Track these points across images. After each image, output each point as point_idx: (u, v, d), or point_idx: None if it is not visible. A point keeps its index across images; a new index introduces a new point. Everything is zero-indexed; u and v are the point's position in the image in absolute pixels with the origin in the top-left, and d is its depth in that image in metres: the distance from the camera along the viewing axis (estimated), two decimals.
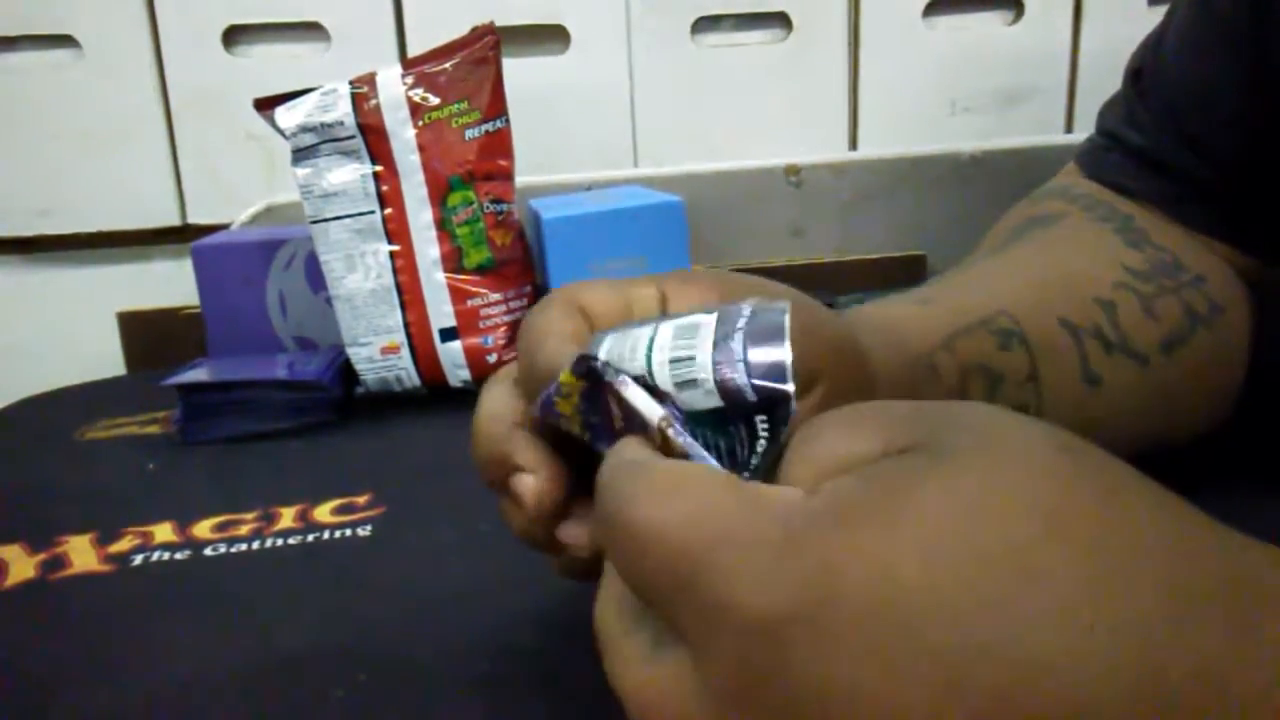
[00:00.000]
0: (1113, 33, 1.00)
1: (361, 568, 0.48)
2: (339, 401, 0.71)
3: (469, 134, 0.71)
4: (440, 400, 0.73)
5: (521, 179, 0.74)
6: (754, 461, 0.26)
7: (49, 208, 0.95)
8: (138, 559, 0.50)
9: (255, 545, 0.51)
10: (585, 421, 0.29)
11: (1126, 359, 0.45)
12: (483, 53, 0.71)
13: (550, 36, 0.97)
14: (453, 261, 0.71)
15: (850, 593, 0.19)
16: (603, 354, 0.28)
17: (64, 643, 0.43)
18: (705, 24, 0.98)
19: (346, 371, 0.73)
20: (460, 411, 0.70)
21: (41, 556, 0.51)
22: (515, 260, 0.73)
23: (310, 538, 0.51)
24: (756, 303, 0.29)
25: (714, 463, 0.26)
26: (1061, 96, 1.01)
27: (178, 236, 0.96)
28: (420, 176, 0.71)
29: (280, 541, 0.51)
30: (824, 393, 0.32)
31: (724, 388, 0.27)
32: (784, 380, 0.26)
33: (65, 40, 0.92)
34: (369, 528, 0.52)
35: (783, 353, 0.26)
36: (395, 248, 0.71)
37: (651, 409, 0.27)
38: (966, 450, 0.21)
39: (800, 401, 0.27)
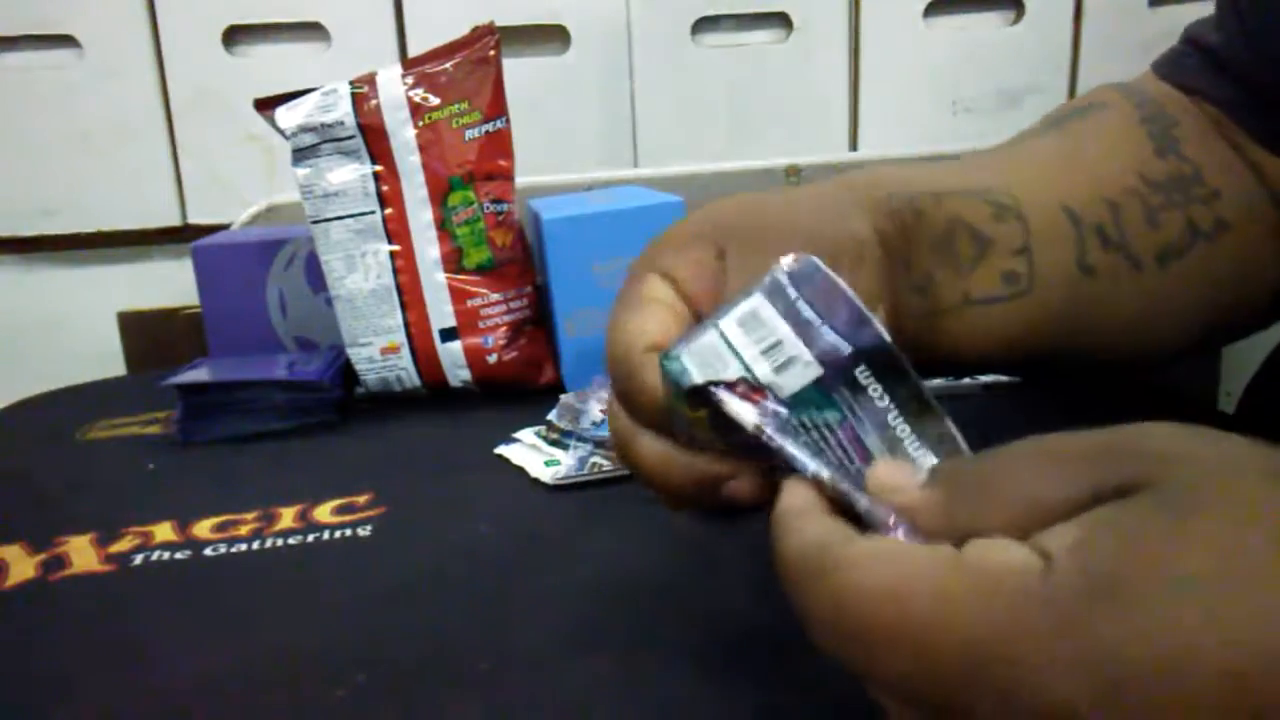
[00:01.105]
0: (1113, 33, 1.00)
1: (361, 568, 0.48)
2: (339, 401, 0.71)
3: (469, 134, 0.71)
4: (440, 400, 0.73)
5: (521, 179, 0.74)
6: (884, 406, 0.28)
7: (49, 208, 0.95)
8: (138, 559, 0.50)
9: (255, 545, 0.51)
10: (728, 442, 0.30)
11: (1122, 259, 0.46)
12: (483, 53, 0.71)
13: (550, 36, 0.97)
14: (453, 261, 0.71)
15: (1144, 673, 0.20)
16: (696, 374, 0.29)
17: (64, 643, 0.43)
18: (705, 24, 0.98)
19: (346, 371, 0.73)
20: (460, 411, 0.71)
21: (41, 556, 0.51)
22: (515, 260, 0.73)
23: (310, 538, 0.51)
24: (788, 265, 0.30)
25: (816, 461, 0.27)
26: (1061, 96, 1.01)
27: (178, 236, 0.96)
28: (420, 176, 0.71)
29: (280, 541, 0.51)
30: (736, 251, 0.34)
31: (823, 358, 0.28)
32: (875, 332, 0.27)
33: (65, 40, 0.92)
34: (369, 528, 0.52)
35: (852, 304, 0.28)
36: (395, 248, 0.71)
37: (748, 417, 0.28)
38: (1192, 491, 0.21)
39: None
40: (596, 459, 0.57)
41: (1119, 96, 0.52)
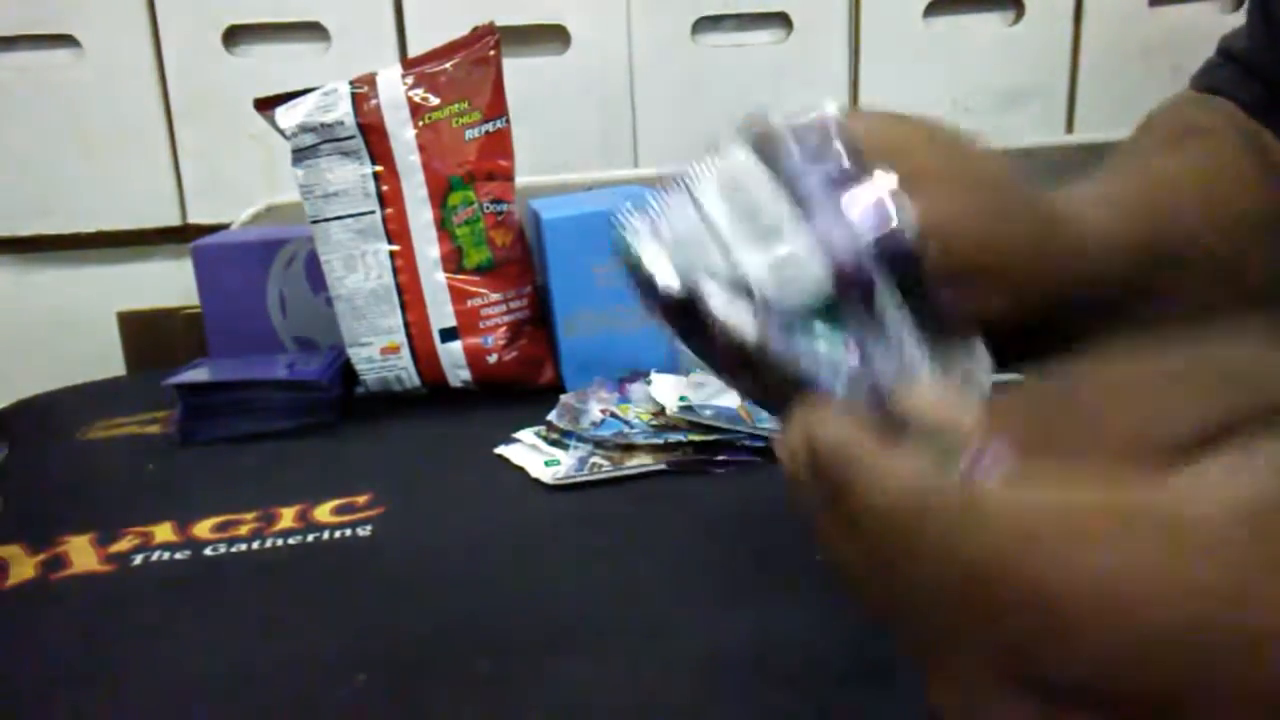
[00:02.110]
0: (1113, 33, 1.00)
1: (361, 568, 0.48)
2: (339, 401, 0.71)
3: (469, 134, 0.71)
4: (440, 400, 0.73)
5: (521, 179, 0.74)
6: (899, 320, 0.22)
7: (49, 208, 0.95)
8: (138, 559, 0.50)
9: (255, 545, 0.51)
10: (692, 349, 0.25)
11: (1236, 294, 0.46)
12: (483, 53, 0.71)
13: (550, 36, 0.96)
14: (453, 261, 0.71)
15: None
16: (671, 274, 0.23)
17: (64, 643, 0.43)
18: (705, 24, 0.98)
19: (346, 371, 0.73)
20: (460, 411, 0.71)
21: (41, 556, 0.51)
22: (515, 260, 0.73)
23: (310, 538, 0.51)
24: (791, 122, 0.24)
25: (835, 375, 0.22)
26: (1061, 97, 1.01)
27: (178, 236, 0.96)
28: (420, 176, 0.71)
29: (280, 541, 0.51)
30: (1004, 300, 0.29)
31: (838, 267, 0.22)
32: (899, 231, 0.22)
33: (65, 40, 0.92)
34: (369, 528, 0.52)
35: (876, 187, 0.22)
36: (395, 248, 0.71)
37: (747, 327, 0.23)
38: None
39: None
40: (596, 459, 0.57)
41: (1217, 119, 0.52)
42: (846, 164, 0.23)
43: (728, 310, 0.23)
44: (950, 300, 0.24)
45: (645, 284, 0.24)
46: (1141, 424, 0.20)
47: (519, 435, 0.62)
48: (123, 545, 0.51)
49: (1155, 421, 0.20)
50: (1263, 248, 0.48)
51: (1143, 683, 0.18)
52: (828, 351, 0.23)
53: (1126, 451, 0.20)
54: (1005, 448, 0.20)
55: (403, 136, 0.70)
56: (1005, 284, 0.31)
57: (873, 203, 0.22)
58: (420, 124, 0.70)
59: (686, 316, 0.24)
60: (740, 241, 0.23)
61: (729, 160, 0.24)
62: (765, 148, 0.24)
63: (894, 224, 0.22)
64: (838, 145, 0.24)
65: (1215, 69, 0.56)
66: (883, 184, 0.23)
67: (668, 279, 0.24)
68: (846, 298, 0.23)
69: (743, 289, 0.23)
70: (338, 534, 0.51)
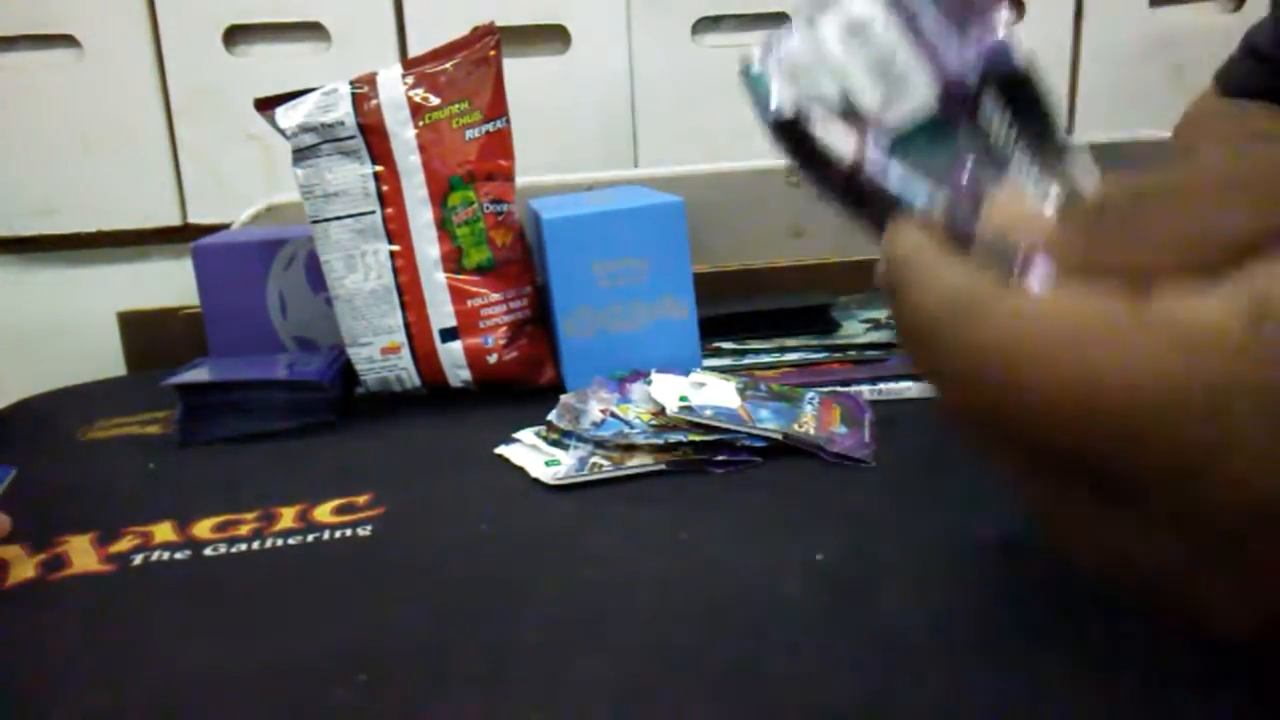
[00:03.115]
0: (1113, 33, 1.00)
1: (361, 568, 0.48)
2: (339, 401, 0.71)
3: (469, 134, 0.71)
4: (440, 400, 0.73)
5: (521, 179, 0.74)
6: (1006, 147, 0.23)
7: (49, 208, 0.95)
8: (138, 559, 0.50)
9: (255, 545, 0.51)
10: (806, 178, 0.26)
11: None
12: (483, 53, 0.71)
13: (550, 36, 0.96)
14: (453, 261, 0.71)
15: None
16: (786, 98, 0.25)
17: (64, 643, 0.43)
18: (705, 24, 0.98)
19: (346, 371, 0.73)
20: (460, 411, 0.71)
21: (41, 556, 0.51)
22: (515, 260, 0.73)
23: (310, 538, 0.51)
24: None
25: (926, 195, 0.23)
26: (1061, 97, 1.01)
27: (178, 236, 0.96)
28: (420, 176, 0.71)
29: (280, 541, 0.51)
30: None
31: (947, 87, 0.23)
32: (1011, 56, 0.23)
33: (65, 40, 0.92)
34: (369, 528, 0.52)
35: (993, 19, 0.23)
36: (395, 248, 0.71)
37: (845, 147, 0.23)
38: None
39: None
40: (596, 459, 0.57)
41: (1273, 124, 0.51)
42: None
43: (831, 131, 0.24)
44: (1058, 117, 0.24)
45: (761, 105, 0.25)
46: (1200, 231, 0.20)
47: (519, 435, 0.62)
48: (123, 545, 0.51)
49: (1212, 229, 0.20)
50: None
51: (1127, 461, 0.19)
52: (925, 171, 0.23)
53: (1185, 257, 0.20)
54: (1048, 258, 0.21)
55: (403, 136, 0.70)
56: None
57: (984, 27, 0.23)
58: (420, 124, 0.70)
59: (794, 138, 0.25)
60: (854, 68, 0.24)
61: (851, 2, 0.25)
62: None
63: (1001, 43, 0.23)
64: None
65: (1239, 66, 0.55)
66: (995, 14, 0.23)
67: (780, 100, 0.25)
68: (951, 114, 0.23)
69: (851, 112, 0.24)
70: (338, 534, 0.51)
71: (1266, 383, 0.18)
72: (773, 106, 0.25)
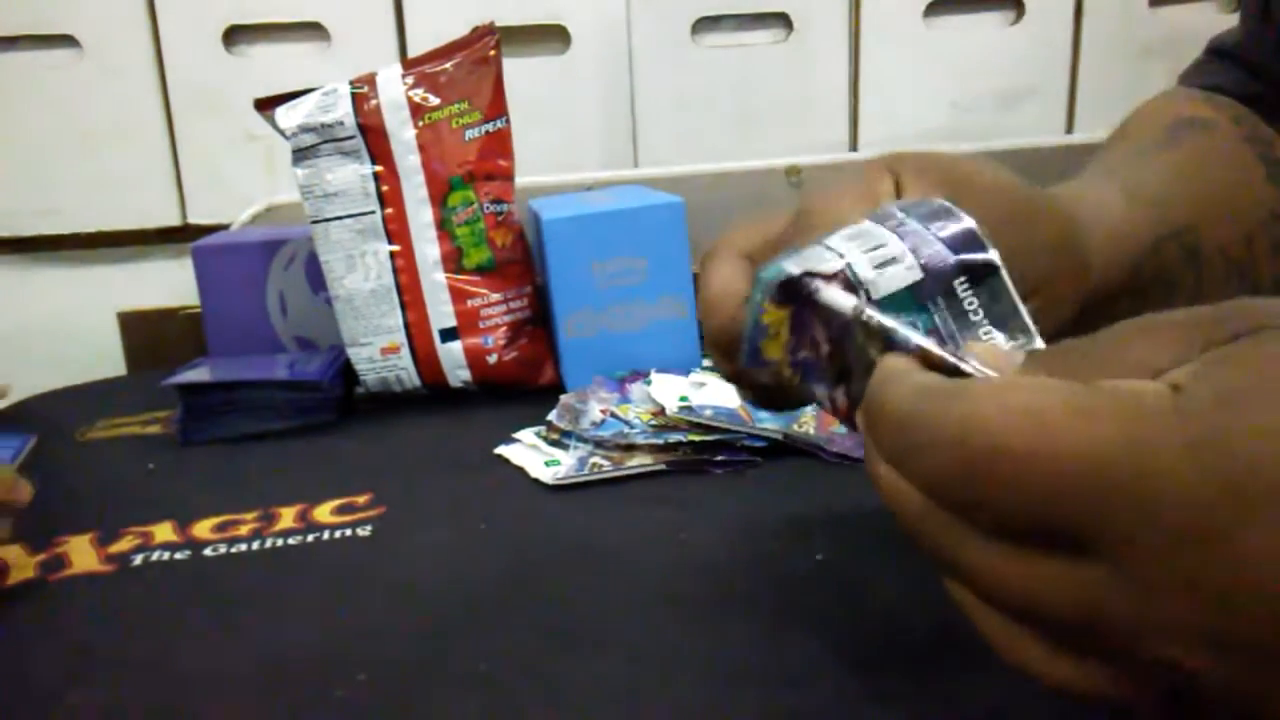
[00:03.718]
0: (1113, 33, 1.00)
1: (361, 568, 0.48)
2: (339, 401, 0.71)
3: (469, 134, 0.71)
4: (440, 400, 0.73)
5: (521, 179, 0.74)
6: (978, 320, 0.28)
7: (49, 208, 0.95)
8: (138, 559, 0.50)
9: (255, 545, 0.51)
10: (794, 361, 0.30)
11: (1245, 289, 0.48)
12: (483, 53, 0.71)
13: (550, 36, 0.96)
14: (453, 261, 0.71)
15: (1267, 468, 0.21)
16: (794, 268, 0.29)
17: (64, 643, 0.43)
18: (705, 24, 0.98)
19: (346, 371, 0.73)
20: (460, 411, 0.71)
21: (41, 556, 0.51)
22: (515, 260, 0.73)
23: (310, 538, 0.51)
24: (902, 201, 0.30)
25: (919, 336, 0.27)
26: (1062, 97, 1.01)
27: (178, 236, 0.96)
28: (420, 177, 0.71)
29: (280, 541, 0.51)
30: (1041, 303, 0.34)
31: (926, 264, 0.28)
32: (983, 248, 0.28)
33: (65, 40, 0.92)
34: (369, 528, 0.52)
35: (966, 222, 0.28)
36: (395, 248, 0.71)
37: (845, 301, 0.27)
38: None
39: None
40: (596, 459, 0.57)
41: (1212, 110, 0.53)
42: (937, 205, 0.29)
43: (830, 291, 0.28)
44: (1019, 296, 0.29)
45: (765, 277, 0.29)
46: (1137, 361, 0.24)
47: (519, 435, 0.62)
48: (123, 545, 0.51)
49: (1150, 358, 0.24)
50: (1268, 236, 0.49)
51: (1067, 520, 0.22)
52: (910, 325, 0.27)
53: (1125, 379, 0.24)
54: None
55: (403, 136, 0.70)
56: (1034, 286, 0.35)
57: (958, 222, 0.28)
58: (420, 124, 0.70)
59: (793, 298, 0.29)
60: (851, 253, 0.29)
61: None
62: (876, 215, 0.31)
63: (972, 231, 0.28)
64: (937, 199, 0.30)
65: (1205, 67, 0.57)
66: (967, 218, 0.29)
67: (785, 267, 0.29)
68: (931, 287, 0.28)
69: (849, 280, 0.28)
70: (338, 534, 0.51)
71: (1192, 438, 0.21)
72: (775, 271, 0.29)
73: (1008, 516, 0.23)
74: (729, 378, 0.39)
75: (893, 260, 0.28)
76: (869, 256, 0.28)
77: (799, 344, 0.30)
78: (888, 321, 0.27)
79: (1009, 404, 0.22)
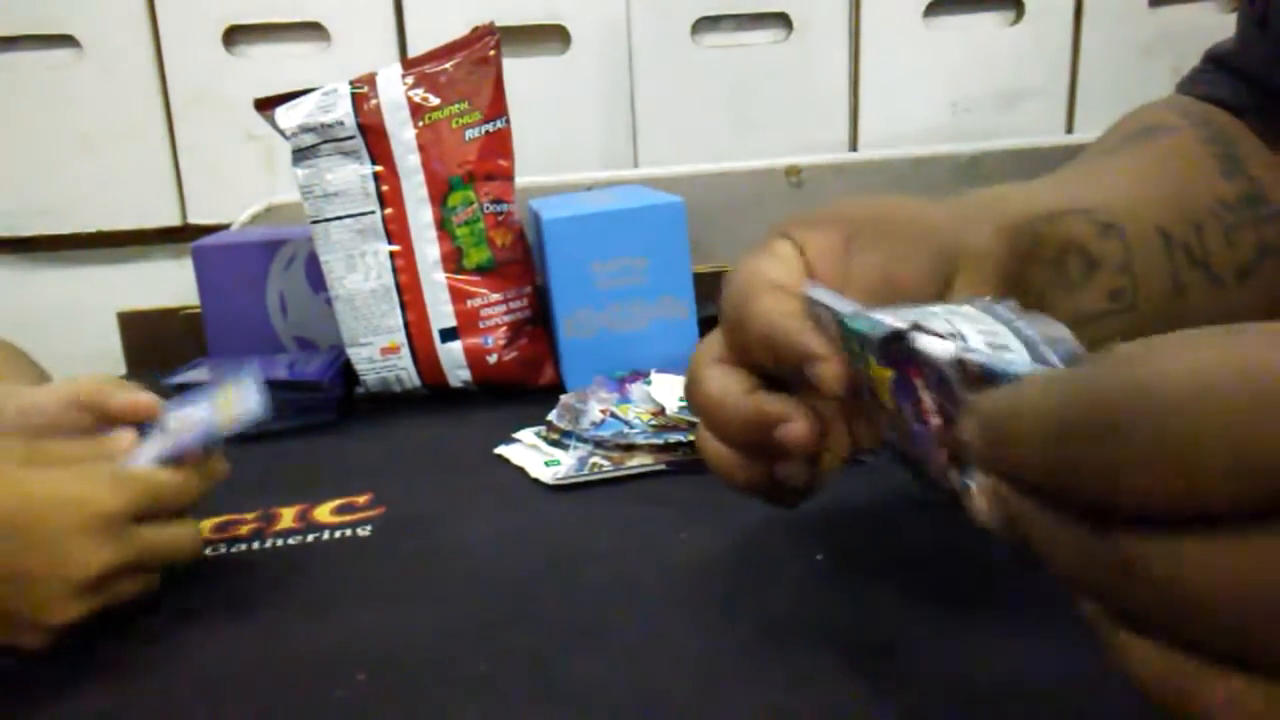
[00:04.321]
0: (1113, 33, 1.00)
1: (361, 568, 0.48)
2: (339, 401, 0.71)
3: (469, 134, 0.71)
4: (440, 400, 0.73)
5: (521, 179, 0.74)
6: None
7: (49, 208, 0.95)
8: None
9: (255, 545, 0.51)
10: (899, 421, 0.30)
11: (1206, 276, 0.48)
12: (483, 53, 0.72)
13: (550, 36, 0.97)
14: (453, 262, 0.71)
15: None
16: (903, 321, 0.29)
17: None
18: (705, 24, 0.98)
19: (346, 371, 0.73)
20: (460, 411, 0.71)
21: None
22: (515, 260, 0.73)
23: (310, 538, 0.51)
24: (1012, 304, 0.31)
25: (1023, 363, 0.26)
26: (1061, 97, 1.01)
27: (178, 236, 0.96)
28: (420, 177, 0.71)
29: (280, 541, 0.51)
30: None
31: (1036, 358, 0.27)
32: (1079, 352, 0.27)
33: (65, 40, 0.92)
34: (369, 528, 0.52)
35: (1068, 336, 0.28)
36: (395, 248, 0.71)
37: (946, 348, 0.27)
38: None
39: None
40: (596, 459, 0.57)
41: (1178, 118, 0.54)
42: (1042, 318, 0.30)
43: (931, 341, 0.28)
44: None
45: (868, 327, 0.30)
46: None
47: (519, 435, 0.62)
48: None
49: None
50: (1219, 223, 0.49)
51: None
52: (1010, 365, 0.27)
53: None
54: None
55: (403, 136, 0.70)
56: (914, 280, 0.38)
57: (1061, 336, 0.28)
58: (420, 124, 0.70)
59: (896, 347, 0.29)
60: (959, 324, 0.29)
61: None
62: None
63: (1073, 354, 0.27)
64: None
65: (1201, 75, 0.57)
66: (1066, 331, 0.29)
67: (892, 322, 0.29)
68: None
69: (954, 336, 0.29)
70: (338, 534, 0.51)
71: None
72: (885, 325, 0.29)
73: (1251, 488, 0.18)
74: (739, 485, 0.40)
75: (1004, 348, 0.27)
76: (987, 342, 0.28)
77: (902, 397, 0.30)
78: (993, 362, 0.25)
79: (1205, 355, 0.18)
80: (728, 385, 0.38)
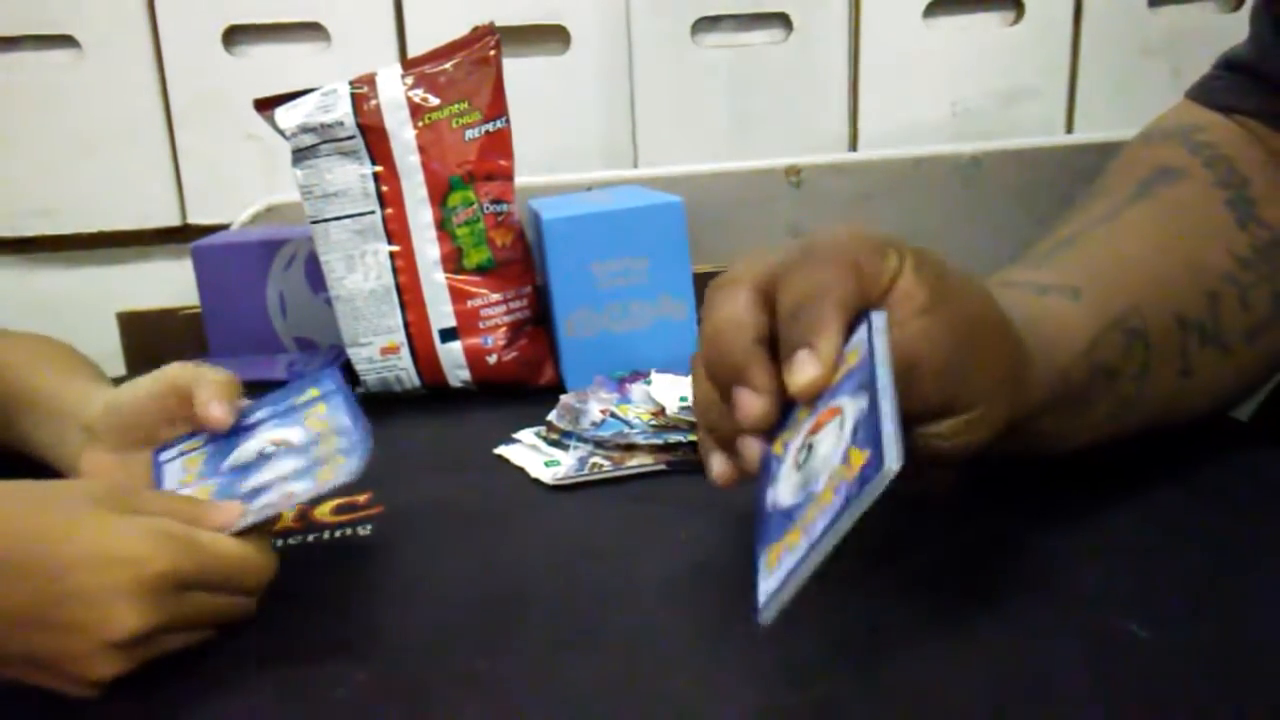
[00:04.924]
0: (1113, 33, 1.00)
1: (361, 568, 0.48)
2: None
3: (469, 134, 0.71)
4: (440, 400, 0.73)
5: (521, 179, 0.74)
6: None
7: (49, 208, 0.95)
8: None
9: None
10: None
11: (1216, 349, 0.48)
12: (483, 53, 0.71)
13: (550, 36, 0.96)
14: (453, 262, 0.71)
15: None
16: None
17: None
18: (705, 24, 0.98)
19: (346, 371, 0.73)
20: (460, 411, 0.71)
21: None
22: (515, 260, 0.73)
23: (310, 538, 0.51)
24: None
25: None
26: (1061, 97, 1.01)
27: (178, 236, 0.96)
28: (420, 177, 0.71)
29: (280, 541, 0.51)
30: (973, 419, 0.37)
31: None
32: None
33: (65, 40, 0.92)
34: (369, 527, 0.52)
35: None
36: (395, 248, 0.71)
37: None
38: None
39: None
40: (596, 459, 0.57)
41: (1187, 155, 0.53)
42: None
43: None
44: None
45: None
46: None
47: (519, 435, 0.62)
48: None
49: None
50: (1235, 288, 0.49)
51: None
52: None
53: None
54: None
55: (403, 136, 0.70)
56: (972, 404, 0.37)
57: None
58: (420, 124, 0.70)
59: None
60: None
61: None
62: None
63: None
64: None
65: (1216, 82, 0.56)
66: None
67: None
68: None
69: None
70: (338, 534, 0.51)
71: None
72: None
73: None
74: (699, 429, 0.40)
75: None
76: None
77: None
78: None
79: None
80: (739, 317, 0.37)
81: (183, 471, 0.49)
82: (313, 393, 0.51)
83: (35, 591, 0.36)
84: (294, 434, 0.47)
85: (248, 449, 0.48)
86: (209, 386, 0.49)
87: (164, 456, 0.50)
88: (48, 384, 0.57)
